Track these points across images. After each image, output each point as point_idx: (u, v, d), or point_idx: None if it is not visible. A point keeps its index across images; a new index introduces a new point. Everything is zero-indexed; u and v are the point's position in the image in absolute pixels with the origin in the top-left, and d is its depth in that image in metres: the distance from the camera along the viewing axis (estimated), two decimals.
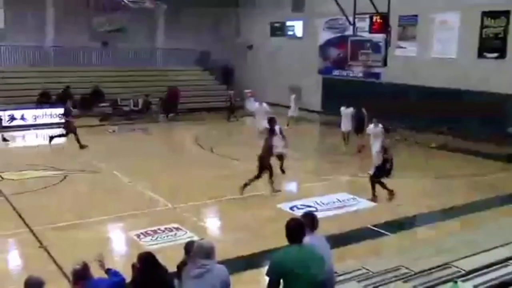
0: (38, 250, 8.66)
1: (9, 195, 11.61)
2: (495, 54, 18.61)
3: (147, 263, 5.48)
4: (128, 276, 5.64)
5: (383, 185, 11.68)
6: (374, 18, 16.97)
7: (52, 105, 22.18)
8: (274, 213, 10.46)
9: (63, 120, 18.01)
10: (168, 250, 8.43)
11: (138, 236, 9.29)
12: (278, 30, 28.22)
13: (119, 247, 9.37)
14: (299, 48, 26.42)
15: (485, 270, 6.34)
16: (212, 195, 11.89)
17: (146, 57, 29.03)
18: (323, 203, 11.38)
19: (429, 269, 6.46)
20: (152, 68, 28.51)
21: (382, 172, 11.64)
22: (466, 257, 6.85)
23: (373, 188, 11.69)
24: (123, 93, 24.37)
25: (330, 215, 10.74)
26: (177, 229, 9.58)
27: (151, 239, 9.14)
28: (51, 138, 17.20)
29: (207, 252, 4.60)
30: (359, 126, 17.55)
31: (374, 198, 11.71)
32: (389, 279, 6.31)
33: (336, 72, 25.16)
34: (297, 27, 27.07)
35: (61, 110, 21.62)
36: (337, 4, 18.09)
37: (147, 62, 28.97)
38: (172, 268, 5.76)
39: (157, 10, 26.68)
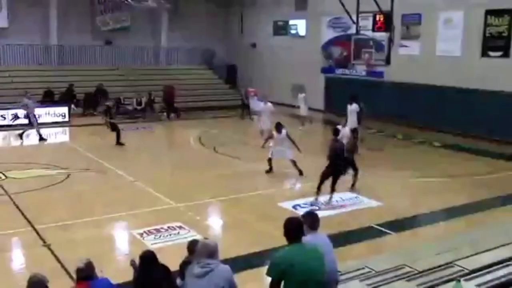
0: (42, 249, 8.69)
1: (12, 193, 11.65)
2: (499, 53, 18.56)
3: (147, 263, 5.49)
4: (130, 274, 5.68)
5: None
6: (377, 16, 16.97)
7: (56, 104, 22.25)
8: (277, 212, 10.45)
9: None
10: (171, 249, 8.45)
11: (141, 234, 9.30)
12: (281, 29, 28.22)
13: (122, 245, 9.39)
14: (302, 47, 26.41)
15: (488, 270, 6.34)
16: (215, 194, 11.90)
17: (150, 56, 29.09)
18: (326, 202, 11.37)
19: (432, 268, 6.46)
20: (155, 67, 28.57)
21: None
22: (469, 256, 6.84)
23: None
24: (126, 92, 24.39)
25: (332, 214, 10.74)
26: (180, 228, 9.59)
27: (154, 238, 9.16)
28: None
29: (211, 252, 4.59)
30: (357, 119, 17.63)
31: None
32: (391, 278, 6.31)
33: (339, 71, 25.16)
34: (300, 26, 27.06)
35: (65, 109, 21.77)
36: (341, 2, 18.11)
37: (151, 61, 29.04)
38: (175, 267, 5.77)
39: (161, 9, 26.70)
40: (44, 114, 21.01)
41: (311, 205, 11.00)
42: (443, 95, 20.07)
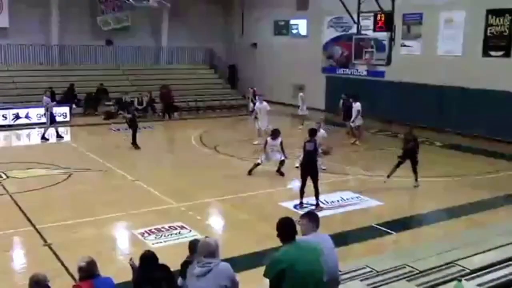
0: (43, 248, 8.69)
1: (13, 193, 11.67)
2: (500, 53, 18.54)
3: (148, 262, 5.49)
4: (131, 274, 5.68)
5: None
6: (379, 16, 16.96)
7: (57, 103, 22.24)
8: (278, 212, 10.44)
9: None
10: (172, 248, 8.46)
11: (142, 234, 9.30)
12: (282, 28, 28.23)
13: (123, 245, 9.39)
14: (303, 47, 26.40)
15: (489, 269, 6.33)
16: (216, 193, 11.90)
17: (151, 56, 29.10)
18: (327, 202, 11.37)
19: (433, 268, 6.45)
20: (156, 67, 28.58)
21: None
22: (470, 256, 6.84)
23: None
24: (127, 92, 24.36)
25: (334, 213, 10.75)
26: (181, 227, 9.60)
27: (155, 238, 9.16)
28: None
29: (212, 251, 4.58)
30: (347, 114, 18.57)
31: None
32: (392, 278, 6.31)
33: (340, 71, 25.16)
34: (301, 25, 27.06)
35: (66, 109, 21.79)
36: (341, 2, 18.09)
37: (151, 61, 29.05)
38: (176, 266, 5.77)
39: (162, 9, 26.71)
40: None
41: (312, 205, 11.01)
42: (444, 95, 20.06)
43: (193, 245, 5.58)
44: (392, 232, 9.79)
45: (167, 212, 10.67)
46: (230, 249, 7.43)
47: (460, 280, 5.24)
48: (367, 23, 18.04)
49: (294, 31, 27.50)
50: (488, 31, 18.81)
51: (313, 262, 4.59)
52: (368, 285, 6.09)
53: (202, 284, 4.51)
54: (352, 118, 18.00)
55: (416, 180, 12.68)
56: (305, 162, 11.03)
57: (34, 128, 20.35)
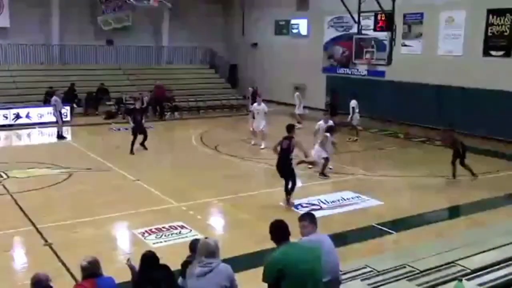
0: (43, 248, 8.70)
1: (14, 193, 11.68)
2: (501, 52, 18.53)
3: (148, 262, 5.49)
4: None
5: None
6: (379, 16, 16.98)
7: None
8: (278, 211, 10.44)
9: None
10: (172, 248, 8.46)
11: (143, 234, 9.31)
12: (283, 28, 28.23)
13: (123, 245, 9.39)
14: (304, 46, 26.40)
15: (490, 269, 6.33)
16: (216, 193, 11.90)
17: (151, 55, 29.11)
18: (327, 202, 11.38)
19: (433, 268, 6.45)
20: (157, 67, 28.59)
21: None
22: (470, 256, 6.83)
23: None
24: (128, 91, 24.40)
25: (334, 213, 10.75)
26: (181, 227, 9.60)
27: (156, 237, 9.16)
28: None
29: (212, 251, 4.59)
30: (333, 110, 19.63)
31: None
32: (393, 277, 6.30)
33: (340, 70, 25.16)
34: (301, 25, 27.06)
35: (66, 108, 21.77)
36: (342, 2, 18.10)
37: (152, 60, 29.05)
38: (176, 266, 5.77)
39: (162, 9, 26.72)
40: (46, 113, 21.01)
41: (312, 205, 11.02)
42: (444, 94, 20.05)
43: (194, 245, 5.58)
44: (393, 231, 9.79)
45: (167, 212, 10.68)
46: (230, 249, 7.43)
47: (460, 280, 5.24)
48: (368, 22, 18.06)
49: (295, 31, 27.50)
50: (489, 31, 18.80)
51: (311, 262, 4.59)
52: (369, 284, 6.09)
53: (202, 284, 4.51)
54: (350, 116, 18.46)
55: (473, 174, 13.15)
56: (279, 160, 11.00)
57: (35, 128, 20.37)
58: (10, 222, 9.81)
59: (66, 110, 21.60)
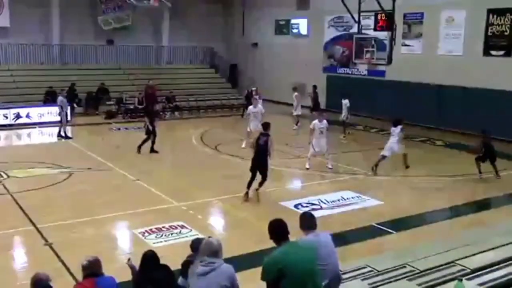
0: (44, 248, 8.70)
1: (14, 192, 11.68)
2: (501, 52, 18.53)
3: (148, 262, 5.49)
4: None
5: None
6: (379, 15, 16.96)
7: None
8: (279, 211, 10.45)
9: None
10: (172, 248, 8.47)
11: (143, 233, 9.31)
12: (283, 28, 28.22)
13: (123, 244, 9.40)
14: (304, 46, 26.39)
15: (489, 269, 6.33)
16: (216, 193, 11.91)
17: (152, 55, 29.10)
18: (327, 201, 11.38)
19: (433, 268, 6.44)
20: (157, 66, 28.59)
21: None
22: (470, 255, 6.83)
23: None
24: (128, 91, 24.40)
25: (334, 213, 10.76)
26: (181, 227, 9.61)
27: (156, 237, 9.17)
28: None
29: (215, 250, 4.60)
30: (316, 105, 20.42)
31: None
32: (393, 277, 6.30)
33: (340, 70, 25.15)
34: (302, 25, 27.05)
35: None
36: (342, 2, 18.07)
37: (153, 60, 29.05)
38: (176, 266, 5.78)
39: (162, 8, 26.71)
40: (46, 113, 21.04)
41: (312, 204, 11.03)
42: (445, 94, 20.04)
43: (195, 244, 5.59)
44: (393, 231, 9.79)
45: (167, 211, 10.68)
46: (230, 249, 7.42)
47: (460, 280, 5.24)
48: (368, 22, 18.05)
49: (295, 31, 27.49)
50: (489, 31, 18.80)
51: (310, 261, 4.60)
52: (369, 284, 6.09)
53: (203, 283, 4.52)
54: (345, 115, 19.01)
55: (496, 173, 13.47)
56: (256, 156, 11.32)
57: (35, 127, 20.38)
58: (10, 222, 9.81)
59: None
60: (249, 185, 11.39)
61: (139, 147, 15.93)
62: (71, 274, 7.41)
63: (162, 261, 5.67)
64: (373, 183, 13.26)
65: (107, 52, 27.53)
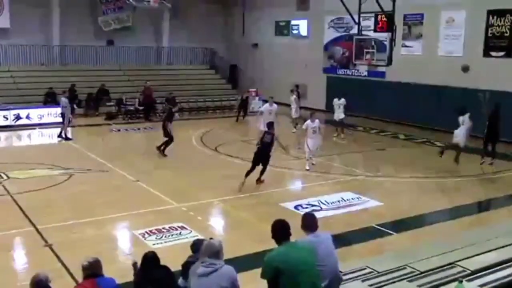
0: (44, 249, 8.70)
1: (14, 193, 11.68)
2: (501, 53, 18.53)
3: (148, 263, 5.49)
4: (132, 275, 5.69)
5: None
6: (379, 16, 16.96)
7: (58, 104, 22.23)
8: (279, 212, 10.44)
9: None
10: (172, 249, 8.47)
11: (143, 235, 9.31)
12: (283, 29, 28.24)
13: (124, 245, 9.39)
14: (304, 47, 26.40)
15: (490, 270, 6.32)
16: (217, 194, 11.90)
17: (152, 56, 29.11)
18: (327, 202, 11.38)
19: (434, 269, 6.44)
20: (157, 67, 28.59)
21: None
22: (471, 256, 6.82)
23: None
24: (128, 92, 24.40)
25: (334, 214, 10.75)
26: (182, 228, 9.60)
27: (156, 238, 9.16)
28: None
29: (216, 252, 4.62)
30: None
31: None
32: (393, 278, 6.30)
33: (340, 71, 25.17)
34: (302, 26, 27.07)
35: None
36: (342, 3, 18.08)
37: (153, 61, 29.06)
38: (176, 267, 5.77)
39: (162, 9, 26.72)
40: (47, 114, 21.04)
41: (313, 205, 11.02)
42: (445, 95, 20.04)
43: (196, 245, 5.59)
44: (393, 232, 9.79)
45: (167, 212, 10.68)
46: (230, 250, 7.42)
47: (461, 281, 5.24)
48: (368, 23, 18.04)
49: (295, 32, 27.50)
50: (489, 32, 18.80)
51: (309, 262, 4.63)
52: (369, 285, 6.08)
53: (203, 284, 4.53)
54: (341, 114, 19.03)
55: (492, 157, 13.89)
56: (260, 151, 12.15)
57: (35, 128, 20.38)
58: (10, 223, 9.81)
59: None
60: (247, 174, 12.09)
61: (163, 150, 15.75)
62: (71, 275, 7.41)
63: (162, 262, 5.67)
64: (373, 184, 13.26)
65: (107, 53, 27.54)
